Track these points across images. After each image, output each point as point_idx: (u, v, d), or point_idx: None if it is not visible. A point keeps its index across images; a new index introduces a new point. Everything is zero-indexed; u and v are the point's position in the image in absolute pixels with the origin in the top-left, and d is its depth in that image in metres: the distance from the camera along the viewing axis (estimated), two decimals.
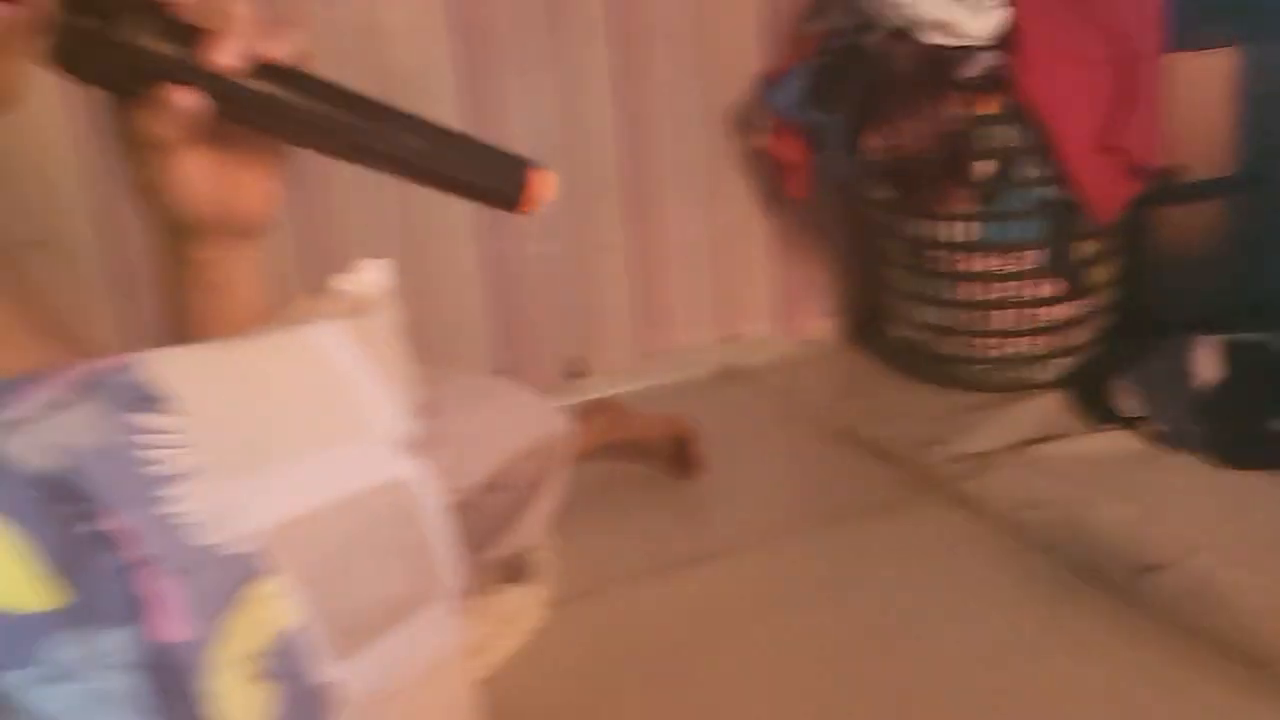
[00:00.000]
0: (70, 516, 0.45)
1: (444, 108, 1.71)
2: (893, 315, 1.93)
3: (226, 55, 0.55)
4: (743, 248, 2.05)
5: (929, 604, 1.24)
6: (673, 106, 1.92)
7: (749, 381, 1.99)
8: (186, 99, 0.55)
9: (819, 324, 2.13)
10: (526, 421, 1.15)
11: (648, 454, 1.66)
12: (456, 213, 1.78)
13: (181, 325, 0.66)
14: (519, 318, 1.88)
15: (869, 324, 2.07)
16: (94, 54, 0.55)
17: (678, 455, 1.62)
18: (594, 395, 1.83)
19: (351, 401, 0.57)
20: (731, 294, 2.06)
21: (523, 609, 1.24)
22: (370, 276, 0.63)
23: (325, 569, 0.54)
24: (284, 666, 0.52)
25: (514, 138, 1.76)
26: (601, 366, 1.95)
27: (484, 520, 1.11)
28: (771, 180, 1.99)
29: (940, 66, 1.64)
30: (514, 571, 1.26)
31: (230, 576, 0.49)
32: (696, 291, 2.03)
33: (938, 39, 1.63)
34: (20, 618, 0.44)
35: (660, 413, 1.71)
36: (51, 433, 0.47)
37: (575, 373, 1.91)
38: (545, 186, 0.65)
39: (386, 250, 0.66)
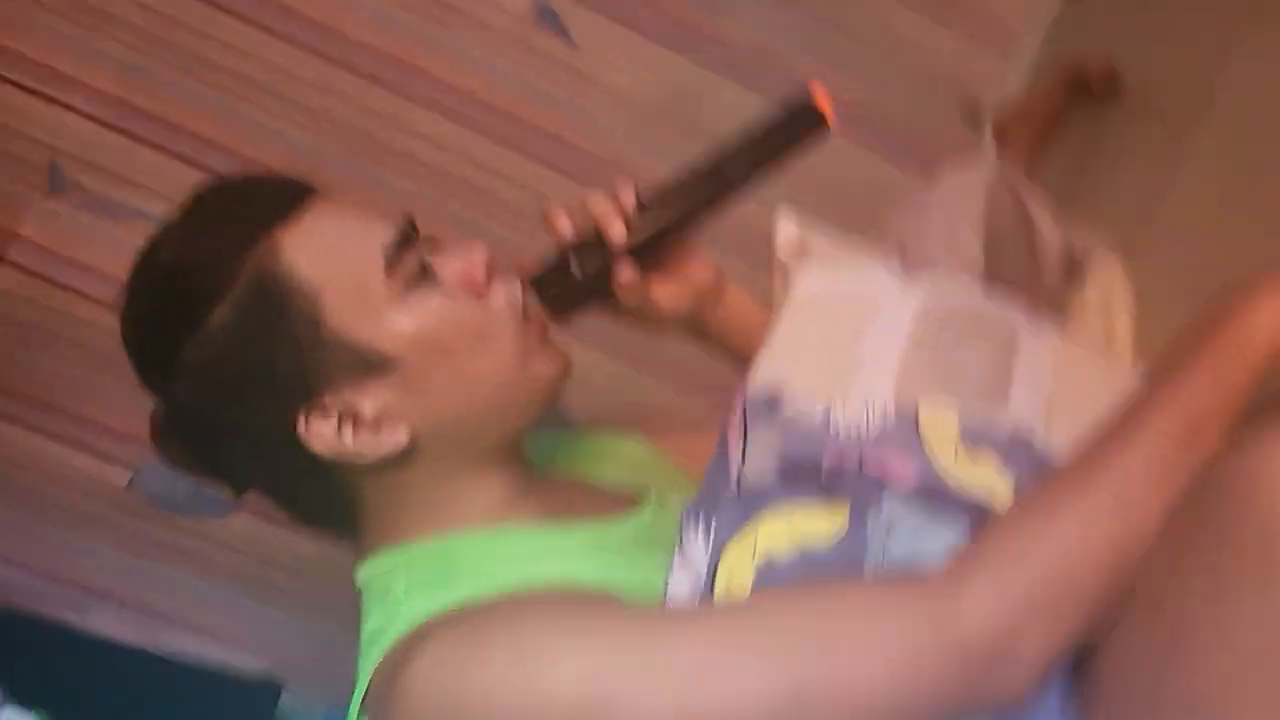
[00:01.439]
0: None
1: None
2: None
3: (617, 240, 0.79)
4: None
5: None
6: None
7: None
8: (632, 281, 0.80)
9: None
10: (966, 185, 1.16)
11: (1072, 109, 1.59)
12: None
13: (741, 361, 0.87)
14: None
15: None
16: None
17: (1091, 90, 1.55)
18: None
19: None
20: None
21: (1112, 287, 1.24)
22: (783, 230, 0.87)
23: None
24: (992, 442, 0.75)
25: None
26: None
27: (1015, 271, 1.20)
28: None
29: None
30: (1076, 272, 1.24)
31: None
32: None
33: None
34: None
35: (1043, 82, 1.63)
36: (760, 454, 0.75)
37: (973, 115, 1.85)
38: (823, 96, 0.77)
39: None
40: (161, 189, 1.52)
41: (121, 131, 1.51)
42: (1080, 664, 0.68)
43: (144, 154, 1.52)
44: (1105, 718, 0.66)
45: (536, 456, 0.96)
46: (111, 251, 1.51)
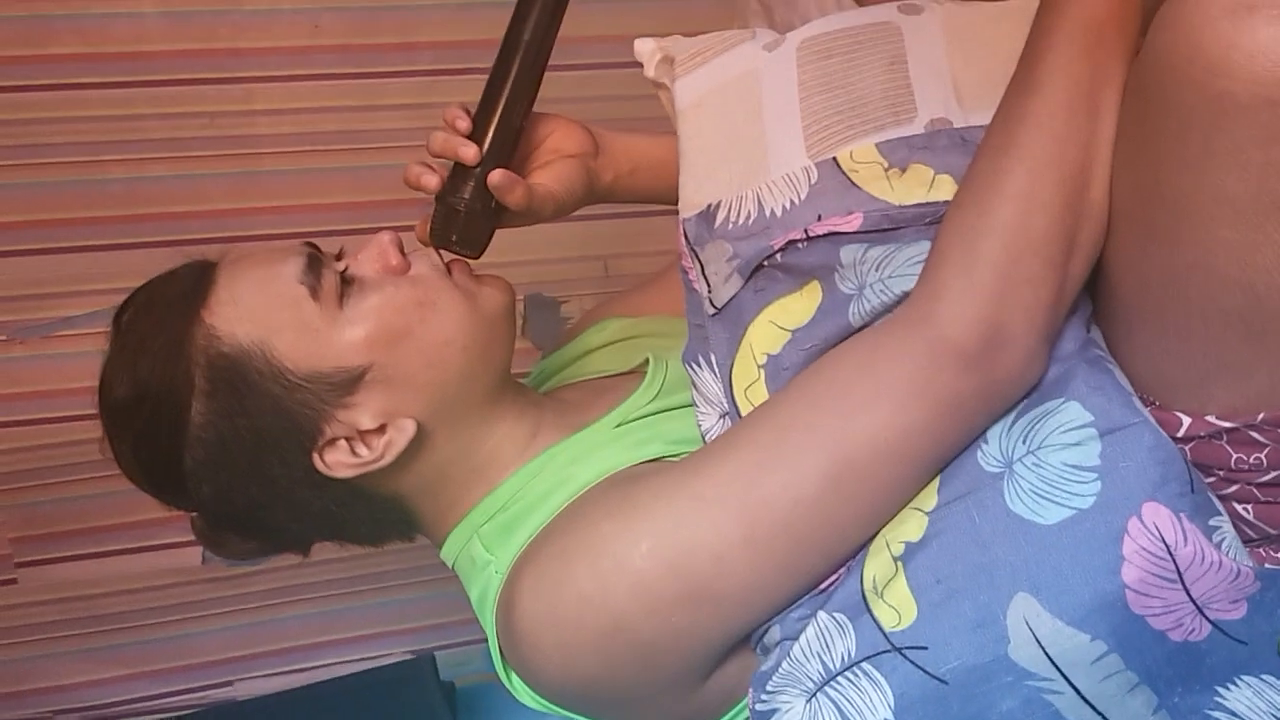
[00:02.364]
0: None
1: None
2: None
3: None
4: None
5: None
6: None
7: None
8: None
9: None
10: None
11: None
12: None
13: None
14: None
15: None
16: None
17: None
18: None
19: None
20: None
21: None
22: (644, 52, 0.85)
23: None
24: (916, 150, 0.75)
25: None
26: None
27: None
28: None
29: None
30: None
31: None
32: None
33: None
34: None
35: None
36: (718, 270, 0.75)
37: None
38: None
39: None
40: (77, 286, 1.49)
41: (8, 254, 1.48)
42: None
43: (39, 264, 1.48)
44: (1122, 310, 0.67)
45: (539, 383, 0.99)
46: (59, 369, 1.49)
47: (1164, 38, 0.59)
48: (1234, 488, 0.65)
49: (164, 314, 0.77)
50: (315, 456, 0.76)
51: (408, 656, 1.67)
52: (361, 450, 0.76)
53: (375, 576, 1.67)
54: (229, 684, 1.66)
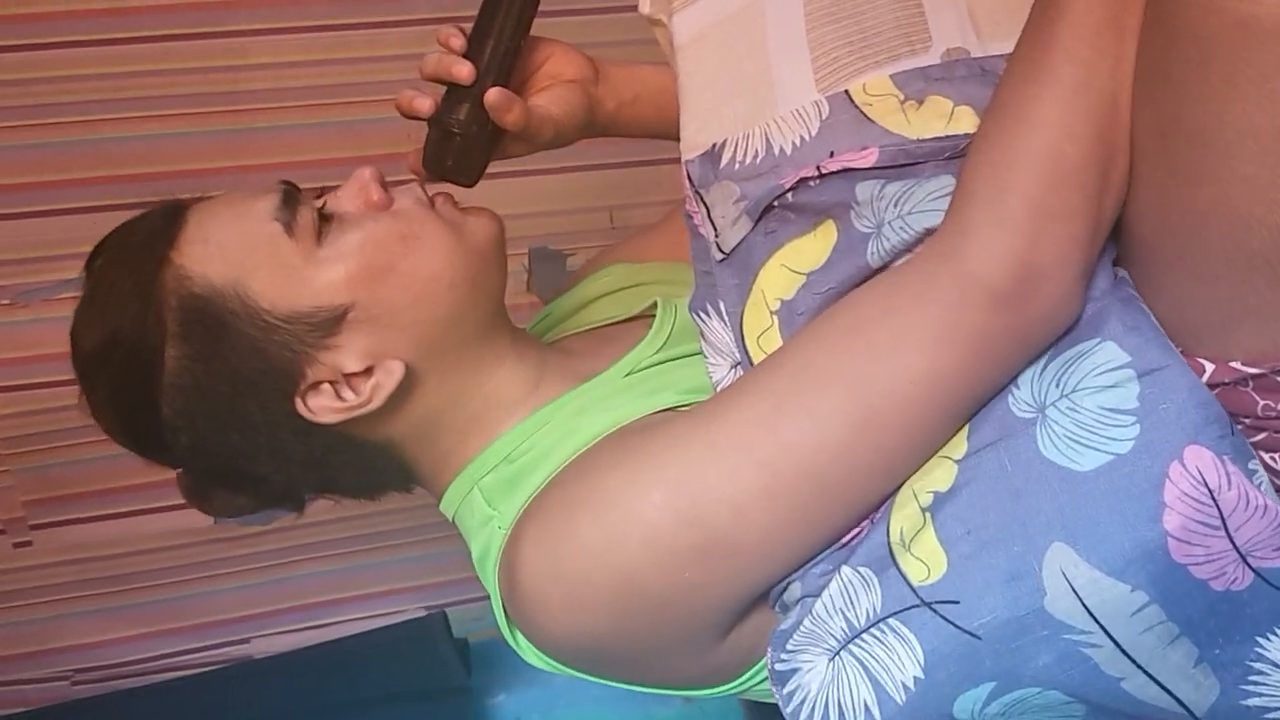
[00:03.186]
0: None
1: None
2: None
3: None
4: None
5: None
6: None
7: None
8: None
9: None
10: None
11: None
12: None
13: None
14: None
15: None
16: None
17: None
18: None
19: None
20: None
21: None
22: None
23: None
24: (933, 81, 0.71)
25: None
26: None
27: None
28: None
29: None
30: None
31: None
32: None
33: None
34: None
35: None
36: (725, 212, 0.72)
37: None
38: None
39: None
40: (78, 249, 1.45)
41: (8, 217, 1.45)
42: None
43: (39, 226, 1.46)
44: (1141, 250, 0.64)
45: (543, 331, 0.95)
46: (62, 332, 1.46)
47: None
48: (1261, 435, 0.61)
49: (130, 258, 0.74)
50: (298, 401, 0.73)
51: (421, 613, 1.66)
52: (347, 394, 0.73)
53: (387, 534, 1.66)
54: (245, 641, 1.66)
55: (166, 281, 0.72)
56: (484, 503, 0.76)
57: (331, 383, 0.73)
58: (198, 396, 0.73)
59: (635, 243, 1.04)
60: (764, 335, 0.72)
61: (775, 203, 0.72)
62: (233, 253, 0.72)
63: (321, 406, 0.73)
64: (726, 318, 0.74)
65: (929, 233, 0.65)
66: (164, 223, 0.74)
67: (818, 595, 0.66)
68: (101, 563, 1.59)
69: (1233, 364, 0.61)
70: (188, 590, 1.63)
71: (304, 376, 0.73)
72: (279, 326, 0.72)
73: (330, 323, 0.72)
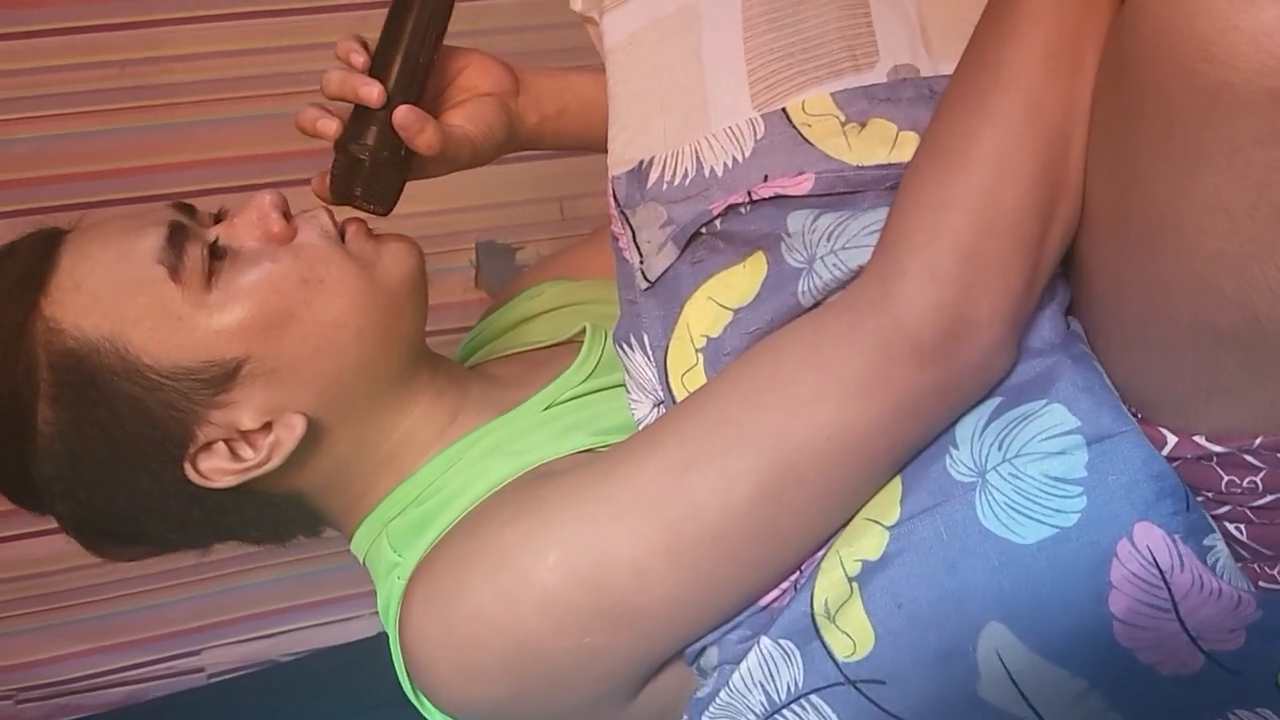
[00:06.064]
0: None
1: None
2: None
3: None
4: None
5: None
6: None
7: None
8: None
9: None
10: None
11: None
12: None
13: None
14: None
15: None
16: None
17: None
18: None
19: None
20: None
21: None
22: None
23: None
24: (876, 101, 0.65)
25: None
26: None
27: None
28: None
29: None
30: None
31: None
32: None
33: None
34: None
35: None
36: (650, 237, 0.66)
37: None
38: None
39: None
40: None
41: None
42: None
43: None
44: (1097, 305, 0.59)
45: (473, 350, 0.89)
46: None
47: (1148, 16, 0.48)
48: (1225, 509, 0.56)
49: None
50: (187, 466, 0.66)
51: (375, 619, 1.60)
52: (245, 452, 0.66)
53: (340, 539, 1.59)
54: (196, 653, 1.59)
55: (36, 334, 0.65)
56: (389, 548, 0.70)
57: (226, 440, 0.67)
58: (73, 464, 0.66)
59: (578, 253, 0.97)
60: (689, 374, 0.66)
61: (704, 229, 0.67)
62: (110, 302, 0.65)
63: (215, 469, 0.66)
64: (650, 352, 0.69)
65: (862, 270, 0.60)
66: (35, 262, 0.66)
67: (736, 664, 0.61)
68: (43, 579, 1.51)
69: (1196, 438, 0.55)
70: (135, 604, 1.56)
71: (194, 438, 0.66)
72: (164, 384, 0.65)
73: (222, 378, 0.65)
